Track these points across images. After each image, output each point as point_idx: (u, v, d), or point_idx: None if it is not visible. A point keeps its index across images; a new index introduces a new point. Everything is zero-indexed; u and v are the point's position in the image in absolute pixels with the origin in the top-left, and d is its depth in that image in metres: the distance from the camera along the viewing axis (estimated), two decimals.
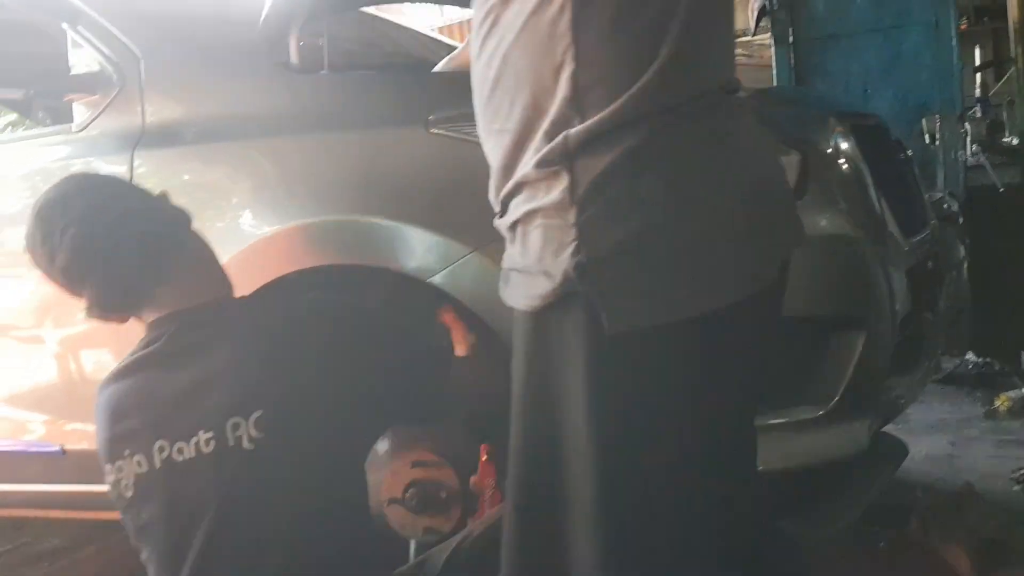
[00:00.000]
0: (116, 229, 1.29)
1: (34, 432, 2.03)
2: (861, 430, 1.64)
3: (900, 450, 1.90)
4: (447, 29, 5.97)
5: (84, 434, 1.96)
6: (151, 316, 1.34)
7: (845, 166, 1.75)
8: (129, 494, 1.30)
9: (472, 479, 1.64)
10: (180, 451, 1.25)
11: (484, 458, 1.61)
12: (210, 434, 1.24)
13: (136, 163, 1.79)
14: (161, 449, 1.26)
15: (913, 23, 3.83)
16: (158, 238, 1.32)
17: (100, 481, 1.92)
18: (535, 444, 1.07)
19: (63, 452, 1.96)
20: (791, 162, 1.63)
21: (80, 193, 1.33)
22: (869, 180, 1.77)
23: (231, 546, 1.25)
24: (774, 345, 1.16)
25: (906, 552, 2.02)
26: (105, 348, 1.91)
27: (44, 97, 2.34)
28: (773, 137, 1.28)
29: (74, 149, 1.91)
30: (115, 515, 2.02)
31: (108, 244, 1.28)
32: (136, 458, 1.27)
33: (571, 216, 0.94)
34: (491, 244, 1.06)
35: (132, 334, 1.81)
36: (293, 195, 1.60)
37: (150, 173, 1.77)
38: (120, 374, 1.34)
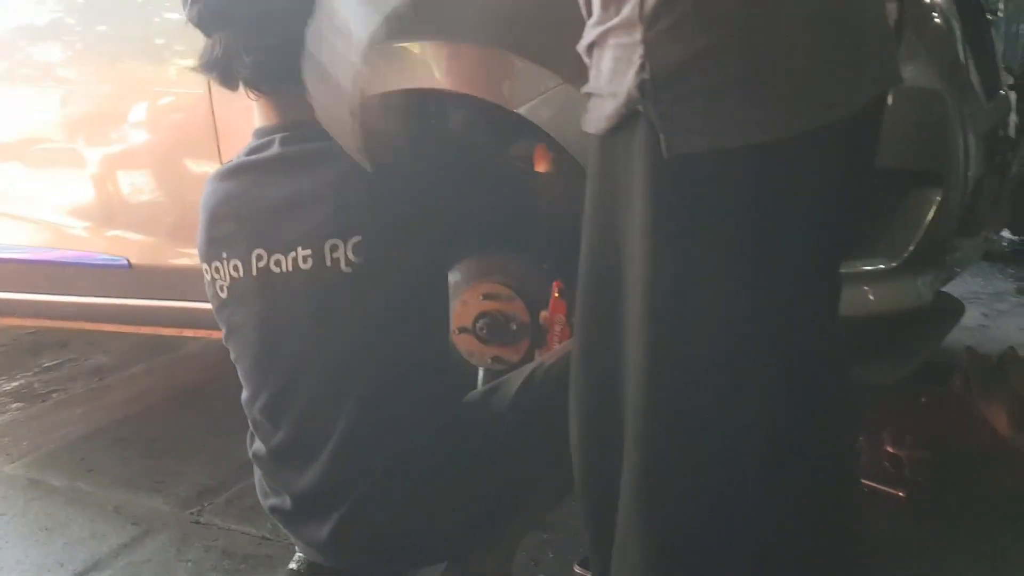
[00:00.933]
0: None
1: (101, 245, 2.05)
2: (928, 285, 1.66)
3: (958, 308, 1.93)
4: None
5: (151, 248, 2.00)
6: (271, 115, 1.30)
7: (939, 20, 1.70)
8: (224, 295, 1.31)
9: (542, 313, 1.67)
10: (278, 263, 1.25)
11: (556, 295, 1.64)
12: (308, 251, 1.23)
13: None
14: (259, 258, 1.26)
15: None
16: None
17: (164, 296, 2.00)
18: (600, 272, 1.07)
19: (129, 266, 1.99)
20: (890, 7, 1.60)
21: None
22: (960, 37, 1.73)
23: (318, 365, 1.28)
24: (858, 189, 1.12)
25: (945, 407, 2.09)
26: (176, 165, 1.92)
27: None
28: None
29: None
30: (174, 331, 2.09)
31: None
32: (233, 262, 1.28)
33: (638, 33, 0.92)
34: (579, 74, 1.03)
35: (205, 150, 1.83)
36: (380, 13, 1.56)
37: None
38: (226, 175, 1.32)
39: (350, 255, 1.22)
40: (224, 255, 1.29)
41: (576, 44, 1.06)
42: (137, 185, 2.02)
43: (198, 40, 1.28)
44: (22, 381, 2.99)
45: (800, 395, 1.05)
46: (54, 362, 3.18)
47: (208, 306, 1.92)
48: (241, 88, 1.28)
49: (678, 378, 0.99)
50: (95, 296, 2.10)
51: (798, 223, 0.99)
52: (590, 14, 1.02)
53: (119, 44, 1.95)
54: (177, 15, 1.79)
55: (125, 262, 2.00)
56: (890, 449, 1.98)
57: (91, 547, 1.89)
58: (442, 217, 1.29)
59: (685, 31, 0.90)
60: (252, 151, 1.29)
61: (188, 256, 1.94)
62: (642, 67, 0.92)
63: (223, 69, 1.25)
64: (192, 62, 1.29)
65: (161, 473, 2.20)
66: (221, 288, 1.31)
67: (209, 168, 1.79)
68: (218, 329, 2.02)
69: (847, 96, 0.97)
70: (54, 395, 2.82)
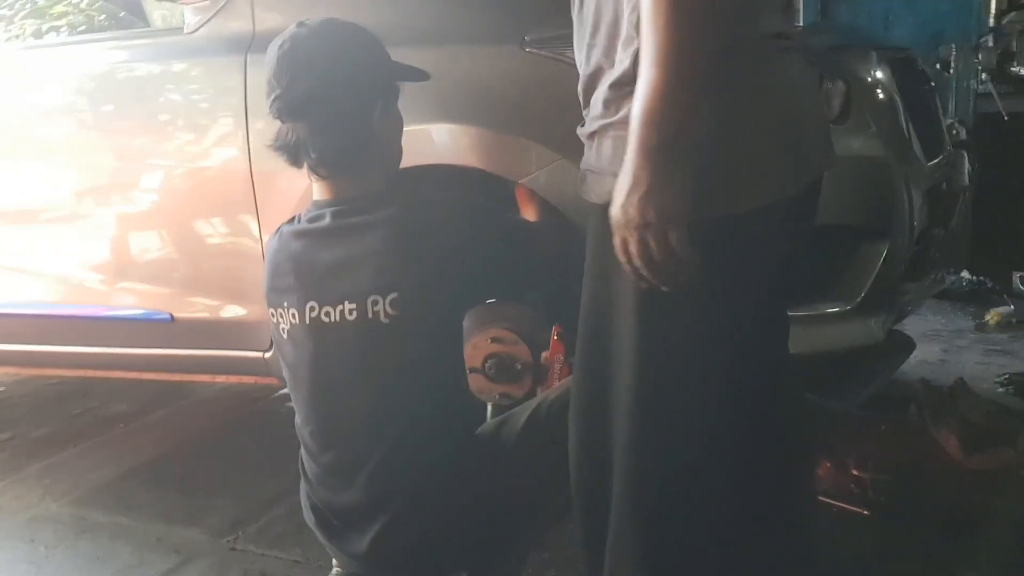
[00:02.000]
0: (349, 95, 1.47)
1: (147, 301, 2.28)
2: (879, 325, 1.91)
3: (908, 344, 2.19)
4: None
5: (193, 304, 2.22)
6: (327, 192, 1.53)
7: (882, 95, 1.98)
8: (284, 337, 1.56)
9: (544, 354, 1.90)
10: (327, 314, 1.49)
11: (555, 337, 1.87)
12: (353, 305, 1.47)
13: (249, 65, 2.00)
14: (311, 308, 1.50)
15: None
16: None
17: (205, 346, 2.21)
18: (596, 315, 1.29)
19: (172, 319, 2.22)
20: (837, 89, 1.87)
21: (325, 50, 1.47)
22: (900, 108, 2.00)
23: (360, 400, 1.51)
24: (806, 249, 1.38)
25: (903, 433, 2.32)
26: (220, 229, 2.15)
27: None
28: (816, 71, 1.49)
29: (188, 49, 2.10)
30: (204, 378, 2.31)
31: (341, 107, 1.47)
32: (292, 311, 1.52)
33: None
34: (575, 152, 1.27)
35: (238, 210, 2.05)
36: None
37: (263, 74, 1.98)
38: (289, 236, 1.55)
39: (388, 309, 1.46)
40: (284, 304, 1.53)
41: (574, 129, 1.30)
42: (180, 245, 2.24)
43: None
44: (51, 428, 3.17)
45: (760, 418, 1.29)
46: (78, 410, 3.37)
47: (240, 353, 2.16)
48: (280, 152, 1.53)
49: (659, 407, 1.22)
50: (142, 347, 2.31)
51: (756, 276, 1.26)
52: (587, 107, 1.26)
53: (170, 116, 2.19)
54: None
55: (168, 316, 2.22)
56: (855, 472, 2.19)
57: (140, 574, 2.09)
58: (467, 275, 1.52)
59: None
60: (311, 219, 1.54)
61: (226, 310, 2.17)
62: None
63: (292, 154, 1.50)
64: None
65: (194, 507, 2.40)
66: (283, 331, 1.56)
67: (250, 227, 2.04)
68: (246, 375, 2.25)
69: (794, 177, 1.24)
70: (83, 441, 3.01)
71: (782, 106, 1.21)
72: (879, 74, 1.98)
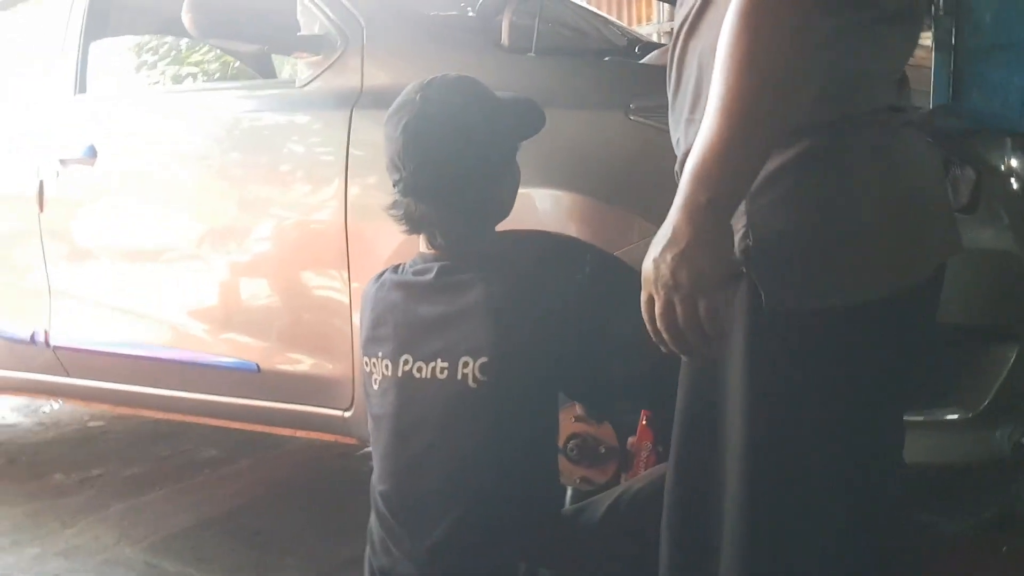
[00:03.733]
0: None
1: (237, 349, 2.28)
2: (1003, 437, 1.72)
3: None
4: None
5: (279, 356, 2.21)
6: (431, 246, 1.50)
7: (1016, 185, 1.82)
8: (375, 387, 1.52)
9: (630, 440, 1.79)
10: (419, 369, 1.45)
11: (643, 423, 1.76)
12: (445, 364, 1.43)
13: (353, 120, 2.00)
14: (406, 362, 1.47)
15: None
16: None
17: (288, 400, 2.19)
18: (698, 410, 1.18)
19: (258, 370, 2.21)
20: (967, 177, 1.73)
21: (452, 128, 1.45)
22: None
23: (437, 464, 1.44)
24: (928, 346, 1.25)
25: None
26: (311, 283, 2.14)
27: (273, 53, 2.58)
28: (940, 152, 1.37)
29: (299, 101, 2.13)
30: (293, 432, 2.28)
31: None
32: (385, 361, 1.49)
33: (743, 205, 1.04)
34: None
35: (330, 265, 2.04)
36: None
37: (366, 130, 1.98)
38: (393, 286, 1.53)
39: (477, 373, 1.41)
40: (380, 354, 1.50)
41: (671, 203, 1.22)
42: (272, 297, 2.24)
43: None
44: (140, 468, 3.22)
45: (873, 532, 1.15)
46: (169, 452, 3.41)
47: (320, 409, 2.12)
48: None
49: (772, 512, 1.10)
50: (228, 396, 2.31)
51: (873, 374, 1.12)
52: None
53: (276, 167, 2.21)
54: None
55: (255, 366, 2.21)
56: None
57: None
58: (561, 350, 1.45)
59: (784, 208, 1.05)
60: (416, 272, 1.51)
61: (311, 364, 2.15)
62: (745, 235, 1.05)
63: (414, 227, 1.49)
64: None
65: (264, 564, 2.35)
66: (374, 380, 1.52)
67: (341, 283, 2.02)
68: (324, 432, 2.21)
69: (916, 265, 1.12)
70: (168, 484, 3.03)
71: (901, 185, 1.10)
72: (1013, 162, 1.83)
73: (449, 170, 1.43)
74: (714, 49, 1.00)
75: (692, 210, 0.98)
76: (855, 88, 1.07)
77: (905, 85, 1.19)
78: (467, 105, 1.47)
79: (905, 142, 1.13)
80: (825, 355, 1.07)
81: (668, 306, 1.00)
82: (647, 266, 1.02)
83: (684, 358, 1.16)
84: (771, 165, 1.04)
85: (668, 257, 0.98)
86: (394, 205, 1.49)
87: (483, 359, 1.40)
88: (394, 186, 1.48)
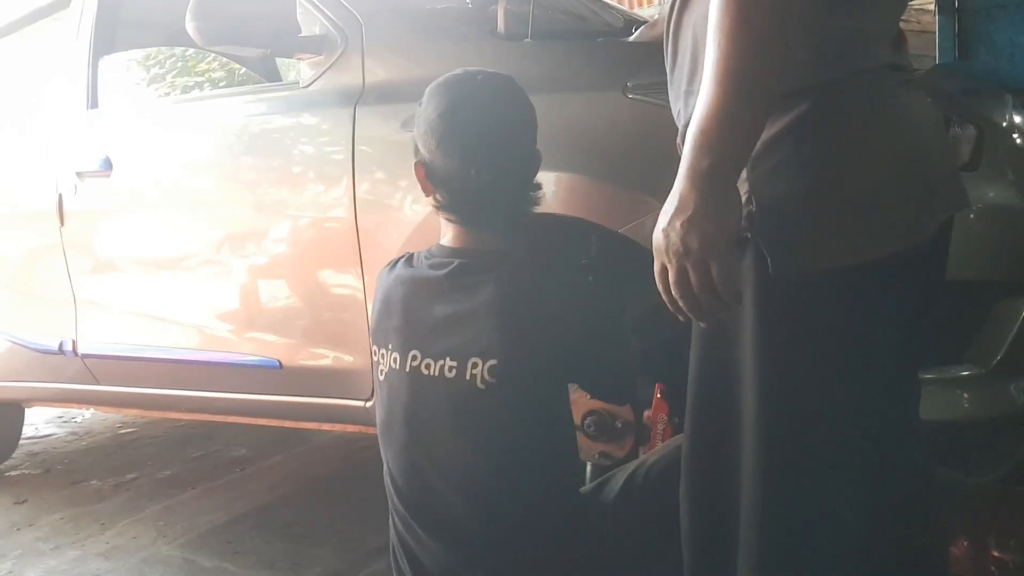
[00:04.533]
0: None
1: (257, 347, 2.33)
2: (1018, 390, 1.73)
3: None
4: None
5: (299, 352, 2.25)
6: (457, 239, 1.51)
7: (1018, 140, 1.82)
8: (382, 378, 1.54)
9: (645, 413, 1.81)
10: (427, 367, 1.46)
11: (658, 395, 1.78)
12: (454, 363, 1.43)
13: (357, 117, 2.03)
14: (414, 358, 1.48)
15: None
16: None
17: (310, 394, 2.23)
18: (710, 377, 1.19)
19: (280, 366, 2.25)
20: (967, 135, 1.74)
21: (487, 105, 1.47)
22: None
23: (451, 459, 1.47)
24: (938, 302, 1.26)
25: None
26: (325, 279, 2.17)
27: (276, 56, 2.61)
28: (941, 110, 1.37)
29: (303, 102, 2.16)
30: (312, 425, 2.32)
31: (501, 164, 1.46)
32: (394, 354, 1.51)
33: (744, 172, 1.04)
34: None
35: (344, 260, 2.07)
36: None
37: (369, 127, 2.01)
38: (409, 280, 1.52)
39: (486, 375, 1.41)
40: (389, 345, 1.52)
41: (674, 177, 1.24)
42: (289, 295, 2.28)
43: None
44: (173, 470, 3.29)
45: (888, 492, 1.17)
46: (200, 453, 3.48)
47: (341, 401, 2.16)
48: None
49: (789, 472, 1.12)
50: (251, 393, 2.36)
51: (882, 334, 1.13)
52: None
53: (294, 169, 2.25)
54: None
55: (277, 363, 2.25)
56: (995, 553, 1.99)
57: None
58: (571, 342, 1.46)
59: (784, 173, 1.06)
60: (433, 266, 1.51)
61: (329, 358, 2.19)
62: (748, 200, 1.06)
63: (460, 216, 1.49)
64: None
65: (298, 556, 2.41)
66: (381, 372, 1.55)
67: (354, 277, 2.05)
68: (347, 423, 2.24)
69: (922, 223, 1.12)
70: (202, 483, 3.10)
71: (902, 143, 1.11)
72: (1016, 119, 1.83)
73: (509, 145, 1.47)
74: (707, 18, 1.01)
75: (696, 177, 0.99)
76: (851, 47, 1.08)
77: (903, 44, 1.19)
78: (518, 94, 1.51)
79: (904, 100, 1.13)
80: (835, 315, 1.07)
81: (681, 273, 1.01)
82: (657, 236, 1.03)
83: (695, 327, 1.19)
84: (770, 131, 1.05)
85: (677, 225, 1.00)
86: (443, 182, 1.49)
87: (492, 361, 1.41)
88: (441, 184, 1.49)
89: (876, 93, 1.10)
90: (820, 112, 1.06)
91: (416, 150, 1.52)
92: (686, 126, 1.14)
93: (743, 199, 1.05)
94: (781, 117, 1.06)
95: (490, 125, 1.46)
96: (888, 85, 1.12)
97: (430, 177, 1.50)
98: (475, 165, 1.44)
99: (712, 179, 0.99)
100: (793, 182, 1.06)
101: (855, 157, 1.07)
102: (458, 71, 1.51)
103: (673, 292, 1.03)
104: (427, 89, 1.51)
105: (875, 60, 1.11)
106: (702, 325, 1.08)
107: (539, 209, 1.69)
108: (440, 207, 1.50)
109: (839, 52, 1.07)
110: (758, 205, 1.06)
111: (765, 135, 1.04)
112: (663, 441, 1.74)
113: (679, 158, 1.21)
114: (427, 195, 1.52)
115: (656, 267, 1.05)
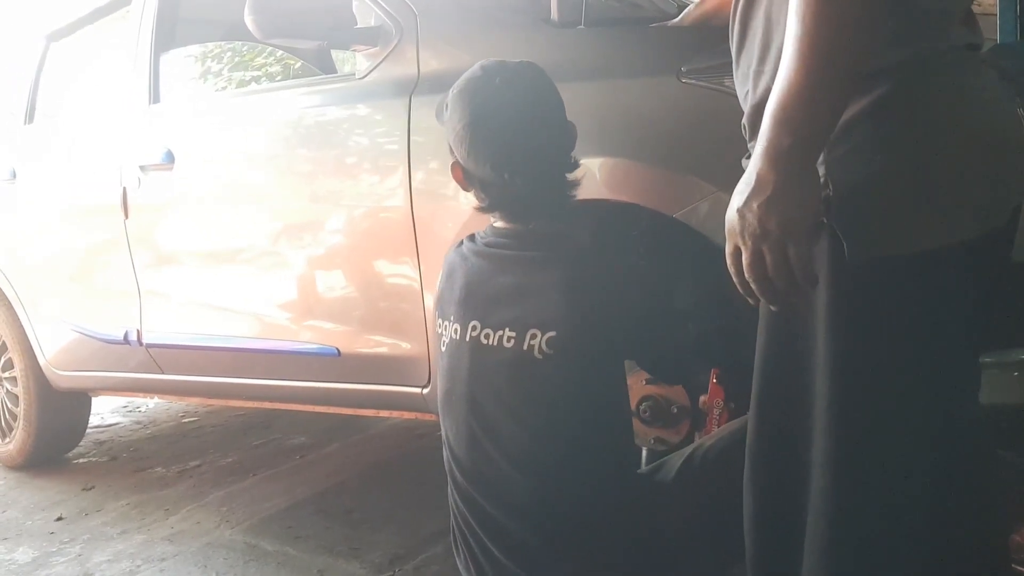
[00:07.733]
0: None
1: (315, 336, 2.37)
2: None
3: None
4: None
5: (357, 339, 2.29)
6: (510, 222, 1.57)
7: None
8: (443, 349, 1.60)
9: (701, 398, 1.81)
10: (487, 336, 1.51)
11: (714, 380, 1.78)
12: (513, 334, 1.48)
13: (412, 107, 2.06)
14: (474, 328, 1.53)
15: None
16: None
17: (368, 381, 2.26)
18: (779, 363, 1.17)
19: (339, 354, 2.29)
20: None
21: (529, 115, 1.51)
22: None
23: (509, 430, 1.50)
24: (1001, 288, 1.23)
25: None
26: (382, 268, 2.21)
27: (332, 47, 2.65)
28: (1014, 91, 1.35)
29: (359, 93, 2.19)
30: (369, 413, 2.36)
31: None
32: (455, 325, 1.56)
33: (821, 156, 1.01)
34: (732, 184, 1.17)
35: (400, 249, 2.10)
36: None
37: (424, 117, 2.03)
38: (472, 253, 1.59)
39: (544, 346, 1.45)
40: (452, 316, 1.58)
41: (731, 161, 1.22)
42: (346, 284, 2.32)
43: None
44: (235, 458, 3.37)
45: (950, 478, 1.15)
46: (260, 441, 3.56)
47: (399, 388, 2.19)
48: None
49: (861, 459, 1.10)
50: (310, 381, 2.40)
51: (956, 318, 1.11)
52: (754, 139, 1.13)
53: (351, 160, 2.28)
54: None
55: (336, 351, 2.29)
56: None
57: None
58: (627, 319, 1.50)
59: (862, 156, 1.04)
60: (490, 244, 1.57)
61: (387, 346, 2.22)
62: (825, 184, 1.03)
63: (496, 203, 1.56)
64: None
65: (357, 541, 2.45)
66: (443, 343, 1.60)
67: (410, 265, 2.09)
68: (405, 410, 2.28)
69: (1000, 207, 1.11)
70: (263, 470, 3.17)
71: (980, 126, 1.08)
72: None
73: (539, 144, 1.50)
74: (782, 1, 1.00)
75: (776, 155, 0.97)
76: (932, 25, 1.05)
77: (975, 23, 1.16)
78: (540, 85, 1.54)
79: (981, 81, 1.11)
80: (910, 300, 1.06)
81: (756, 255, 0.99)
82: (731, 216, 1.01)
83: (762, 314, 1.17)
84: (847, 114, 1.03)
85: (754, 205, 0.98)
86: (480, 185, 1.54)
87: (551, 333, 1.45)
88: (482, 187, 1.54)
89: (957, 74, 1.07)
90: (901, 93, 1.04)
91: (451, 151, 1.56)
92: (754, 107, 1.14)
93: (820, 183, 1.03)
94: (859, 100, 1.04)
95: (516, 131, 1.49)
96: (968, 65, 1.09)
97: (468, 178, 1.56)
98: (508, 170, 1.49)
99: (793, 158, 0.97)
100: (871, 165, 1.03)
101: (937, 140, 1.04)
102: (476, 71, 1.54)
103: (746, 275, 1.02)
104: (450, 92, 1.55)
105: (954, 39, 1.08)
106: (773, 309, 1.07)
107: (596, 195, 1.71)
108: (483, 209, 1.57)
109: (921, 31, 1.04)
110: (835, 188, 1.04)
111: (842, 118, 1.02)
112: (719, 426, 1.74)
113: (740, 141, 1.21)
114: (467, 191, 1.59)
115: (728, 248, 1.03)
